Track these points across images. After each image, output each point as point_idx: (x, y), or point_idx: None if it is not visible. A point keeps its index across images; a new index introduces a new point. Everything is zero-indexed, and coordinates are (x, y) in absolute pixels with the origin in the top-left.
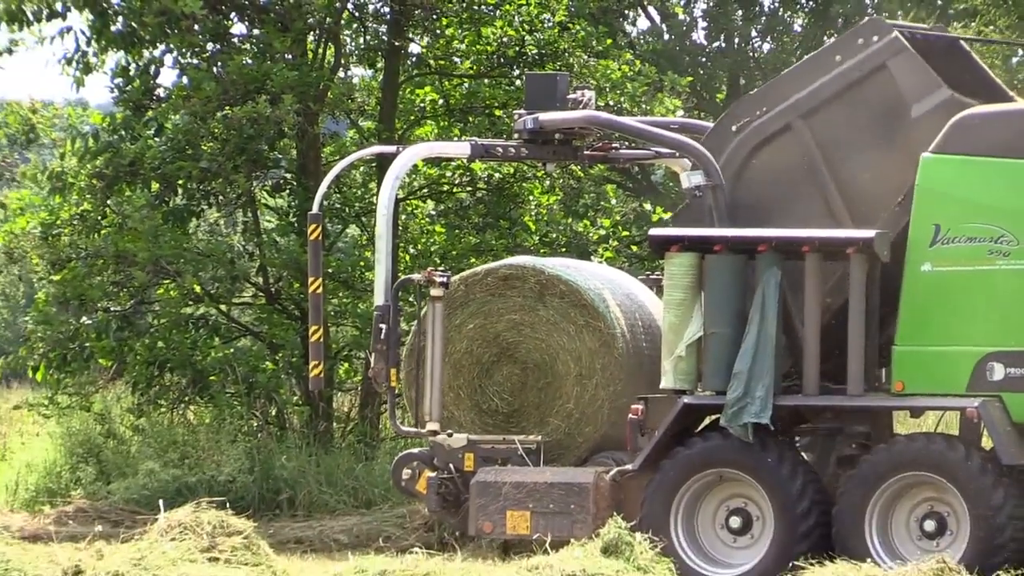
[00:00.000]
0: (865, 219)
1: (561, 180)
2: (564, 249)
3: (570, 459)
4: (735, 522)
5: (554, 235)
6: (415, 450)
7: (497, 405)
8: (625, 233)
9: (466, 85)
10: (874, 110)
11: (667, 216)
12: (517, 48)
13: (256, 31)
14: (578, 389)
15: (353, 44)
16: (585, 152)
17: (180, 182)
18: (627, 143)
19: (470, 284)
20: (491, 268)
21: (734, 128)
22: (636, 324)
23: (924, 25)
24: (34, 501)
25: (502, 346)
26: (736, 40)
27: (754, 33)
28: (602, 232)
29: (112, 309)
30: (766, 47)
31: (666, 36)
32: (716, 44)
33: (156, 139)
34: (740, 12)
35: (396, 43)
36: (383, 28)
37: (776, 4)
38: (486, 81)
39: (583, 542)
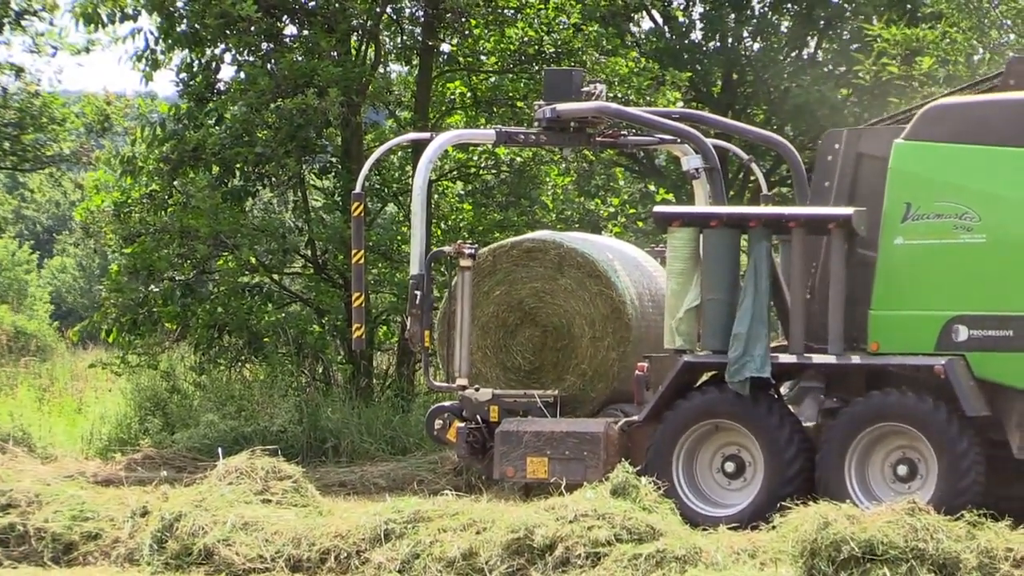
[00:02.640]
0: None
1: (575, 163)
2: (577, 225)
3: (584, 412)
4: (730, 467)
5: (569, 212)
6: (446, 403)
7: (520, 363)
8: (632, 210)
9: (491, 79)
10: (883, 188)
11: (669, 195)
12: (536, 47)
13: (305, 32)
14: (591, 350)
15: (391, 43)
16: (596, 138)
17: (238, 166)
18: (634, 130)
19: (497, 255)
20: (516, 241)
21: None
22: (644, 292)
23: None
24: (107, 449)
25: (525, 311)
26: (730, 40)
27: (746, 34)
28: (611, 210)
29: (177, 278)
30: (756, 46)
31: (668, 36)
32: (712, 43)
33: (216, 128)
34: (733, 15)
35: (429, 43)
36: (418, 29)
37: (765, 8)
38: (509, 76)
39: (595, 485)
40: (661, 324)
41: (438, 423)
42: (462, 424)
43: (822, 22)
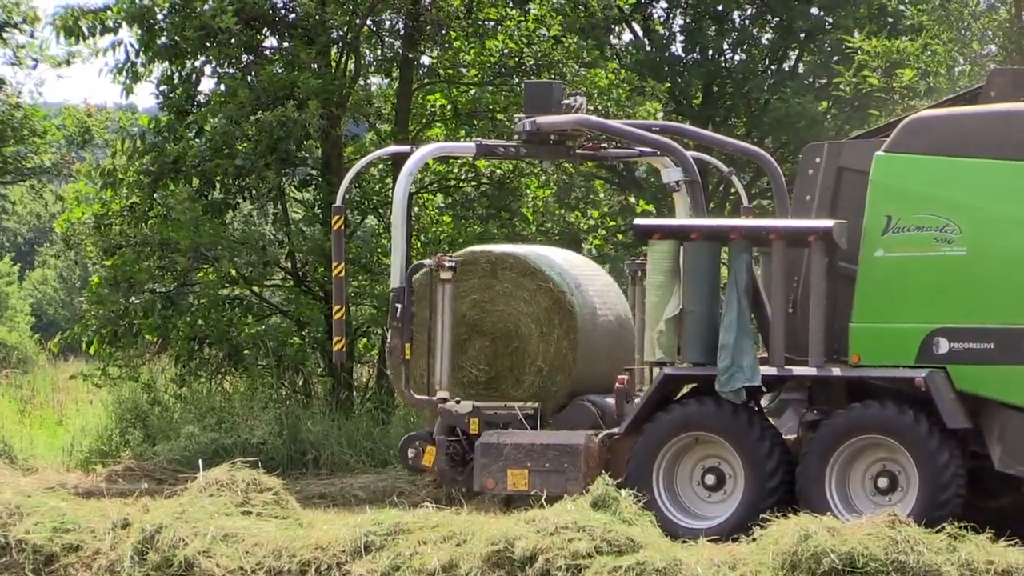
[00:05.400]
0: None
1: (555, 176)
2: (558, 237)
3: (550, 406)
4: (710, 479)
5: (549, 225)
6: (414, 432)
7: (476, 376)
8: (612, 223)
9: (472, 92)
10: (864, 200)
11: (649, 207)
12: (517, 59)
13: (285, 44)
14: (543, 345)
15: (371, 56)
16: (577, 151)
17: (218, 178)
18: (614, 143)
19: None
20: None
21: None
22: (582, 282)
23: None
24: (87, 461)
25: (469, 324)
26: (710, 52)
27: (726, 46)
28: (592, 222)
29: (158, 290)
30: (736, 58)
31: (648, 48)
32: (692, 55)
33: (196, 140)
34: (714, 27)
35: (409, 55)
36: (398, 42)
37: (746, 20)
38: (489, 88)
39: (575, 497)
40: (604, 309)
41: (411, 452)
42: (434, 447)
43: (803, 34)
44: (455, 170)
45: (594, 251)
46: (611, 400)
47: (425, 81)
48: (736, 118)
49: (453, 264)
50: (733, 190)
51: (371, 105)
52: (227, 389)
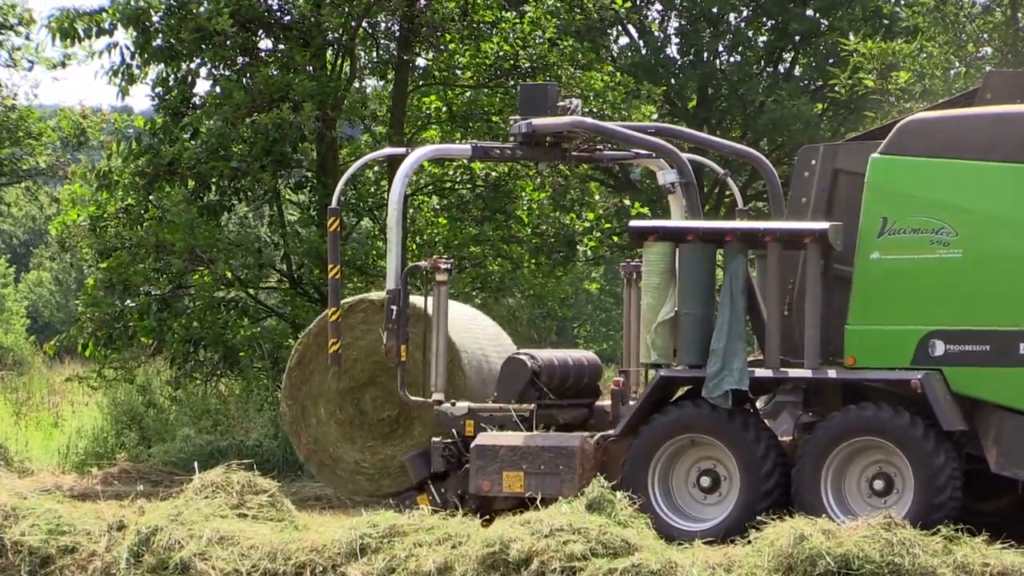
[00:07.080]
0: None
1: (550, 178)
2: (553, 239)
3: (479, 382)
4: (705, 481)
5: (544, 227)
6: (401, 494)
7: (390, 416)
8: (607, 225)
9: (467, 94)
10: (859, 203)
11: (644, 210)
12: (512, 61)
13: (280, 46)
14: (420, 349)
15: (367, 58)
16: (572, 153)
17: (213, 180)
18: (609, 145)
19: (304, 360)
20: (304, 335)
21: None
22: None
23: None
24: (83, 463)
25: (353, 378)
26: (705, 54)
27: (721, 48)
28: (587, 224)
29: (153, 293)
30: (732, 60)
31: (643, 51)
32: (687, 58)
33: (192, 142)
34: (709, 30)
35: (405, 57)
36: (393, 44)
37: (741, 22)
38: (485, 91)
39: (570, 500)
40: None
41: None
42: (436, 439)
43: (798, 37)
44: (451, 172)
45: (589, 253)
46: (546, 352)
47: (420, 83)
48: (731, 120)
49: (448, 266)
50: (728, 192)
51: (366, 107)
52: (222, 391)
